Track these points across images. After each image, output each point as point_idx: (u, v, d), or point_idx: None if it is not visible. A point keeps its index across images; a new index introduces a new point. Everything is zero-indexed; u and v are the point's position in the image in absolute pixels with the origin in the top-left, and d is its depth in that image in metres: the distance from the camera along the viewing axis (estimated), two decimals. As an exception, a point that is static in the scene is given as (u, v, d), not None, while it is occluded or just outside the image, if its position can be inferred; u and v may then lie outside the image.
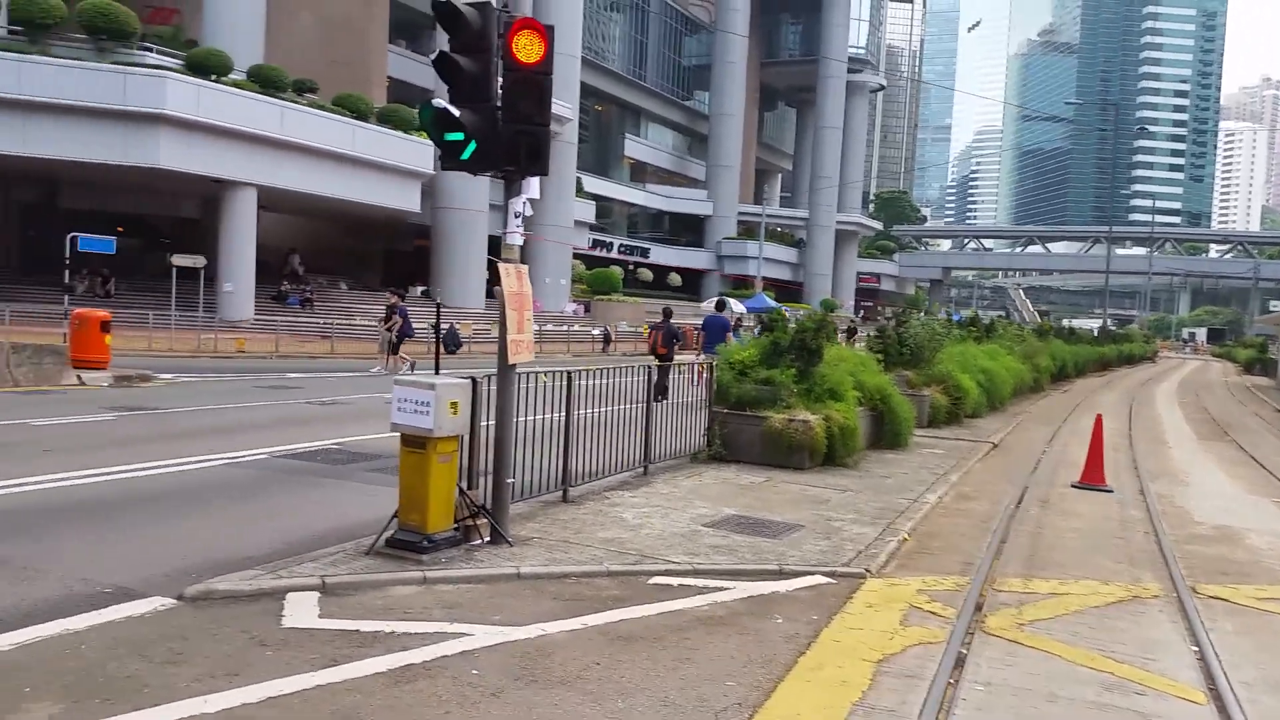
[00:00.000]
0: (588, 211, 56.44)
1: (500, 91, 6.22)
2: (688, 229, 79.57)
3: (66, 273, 26.11)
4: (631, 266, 68.10)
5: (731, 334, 18.56)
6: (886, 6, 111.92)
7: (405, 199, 38.26)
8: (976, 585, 6.63)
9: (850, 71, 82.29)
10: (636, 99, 75.58)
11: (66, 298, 26.10)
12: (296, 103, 33.30)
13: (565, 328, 40.84)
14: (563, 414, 8.64)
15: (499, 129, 6.24)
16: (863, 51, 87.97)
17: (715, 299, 28.42)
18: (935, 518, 9.04)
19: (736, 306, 50.26)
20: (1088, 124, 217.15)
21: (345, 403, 16.21)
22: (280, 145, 32.42)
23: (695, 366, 12.18)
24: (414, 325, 25.75)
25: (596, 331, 39.30)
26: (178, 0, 37.63)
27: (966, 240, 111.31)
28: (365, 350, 30.10)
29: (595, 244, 62.98)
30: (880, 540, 7.66)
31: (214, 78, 30.31)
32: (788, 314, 13.01)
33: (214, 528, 7.34)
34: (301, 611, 5.36)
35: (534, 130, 6.22)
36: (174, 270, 26.03)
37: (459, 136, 6.23)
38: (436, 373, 7.00)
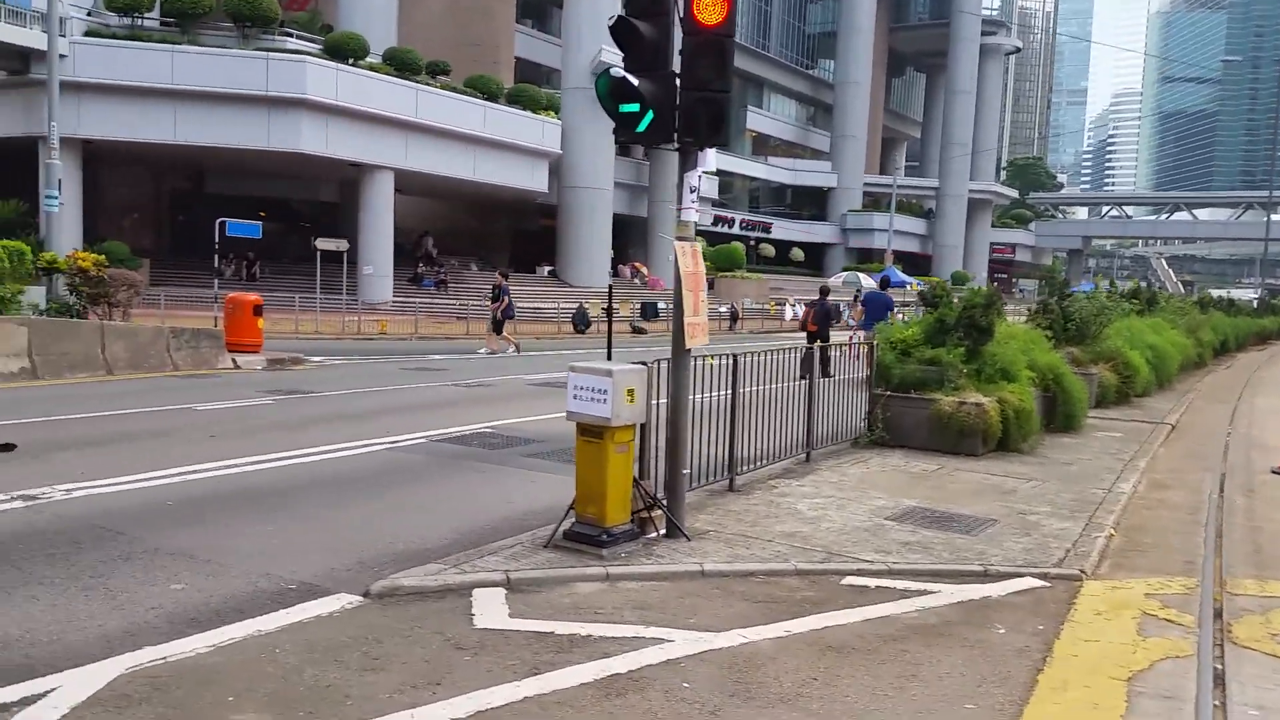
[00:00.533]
0: (711, 187, 55.79)
1: (679, 56, 5.85)
2: (810, 202, 77.98)
3: (216, 257, 27.11)
4: (753, 242, 67.17)
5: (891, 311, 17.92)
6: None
7: (534, 179, 38.49)
8: (1208, 588, 5.98)
9: (984, 34, 79.00)
10: (759, 69, 74.19)
11: (216, 281, 27.13)
12: (430, 85, 33.75)
13: (693, 305, 40.41)
14: (727, 397, 8.23)
15: (677, 97, 5.86)
16: (996, 13, 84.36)
17: (882, 275, 27.80)
18: (1136, 510, 8.32)
19: (867, 281, 48.96)
20: (1238, 83, 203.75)
21: (489, 384, 16.24)
22: (415, 128, 32.96)
23: (855, 345, 11.71)
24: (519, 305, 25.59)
25: (723, 309, 38.76)
26: (313, -13, 38.67)
27: (1106, 208, 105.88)
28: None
29: (716, 220, 62.30)
30: (1086, 536, 7.04)
31: (351, 61, 30.96)
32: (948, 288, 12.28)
33: (387, 516, 7.26)
34: (491, 610, 5.15)
35: (715, 97, 5.83)
36: (318, 254, 26.67)
37: (634, 108, 5.89)
38: (609, 358, 6.68)
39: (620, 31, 5.84)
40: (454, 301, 34.53)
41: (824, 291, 19.48)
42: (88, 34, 28.88)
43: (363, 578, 5.73)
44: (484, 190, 38.83)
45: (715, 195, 58.00)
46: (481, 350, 23.24)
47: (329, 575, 5.79)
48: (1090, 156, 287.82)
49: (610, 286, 8.02)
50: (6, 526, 6.56)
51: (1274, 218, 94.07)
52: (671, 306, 6.64)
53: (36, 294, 16.87)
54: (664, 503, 6.56)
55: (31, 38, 27.20)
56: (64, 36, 25.92)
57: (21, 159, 30.51)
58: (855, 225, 75.33)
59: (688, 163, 6.17)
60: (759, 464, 8.73)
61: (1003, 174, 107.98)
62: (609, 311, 7.13)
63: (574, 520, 6.27)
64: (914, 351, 10.82)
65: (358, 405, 13.11)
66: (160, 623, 4.93)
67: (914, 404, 10.51)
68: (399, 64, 32.95)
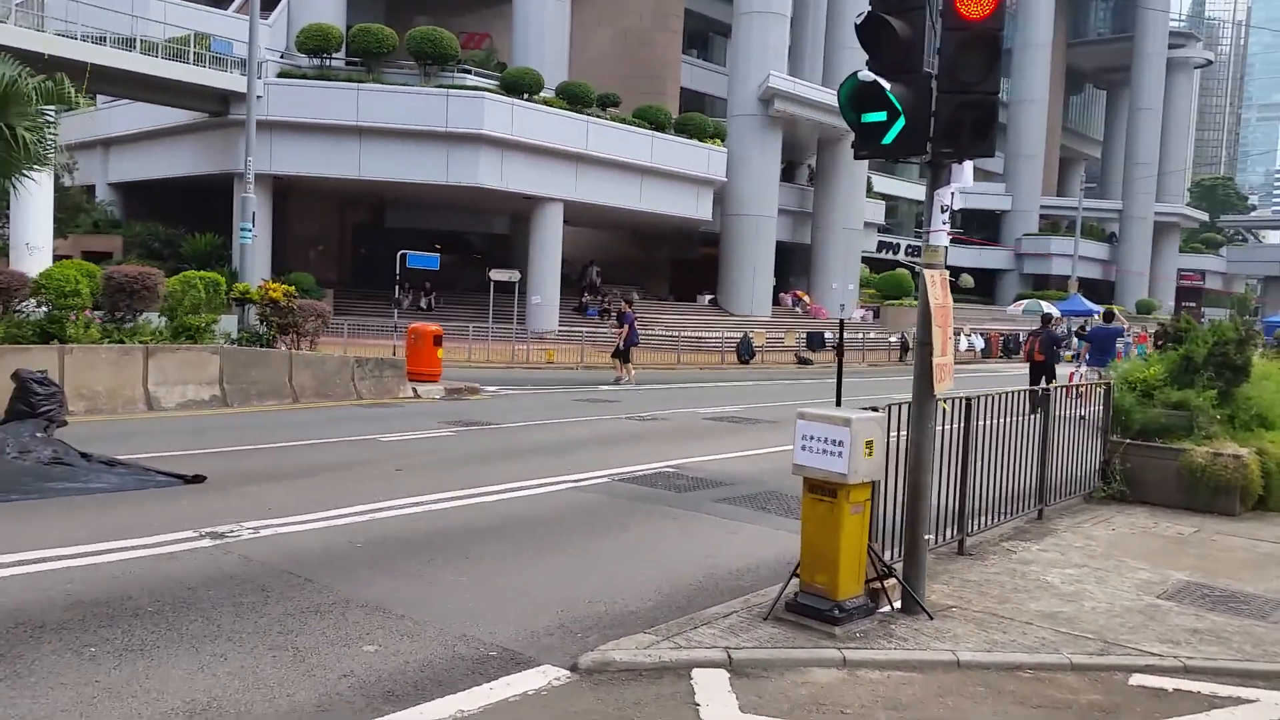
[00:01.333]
0: (877, 212, 54.22)
1: (937, 56, 5.08)
2: (982, 226, 74.72)
3: (396, 288, 27.79)
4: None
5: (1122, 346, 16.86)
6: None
7: (698, 207, 38.13)
8: None
9: (1170, 47, 74.17)
10: (927, 92, 71.90)
11: (395, 311, 27.80)
12: (600, 117, 33.91)
13: (860, 335, 39.03)
14: (958, 448, 7.30)
15: (934, 102, 5.09)
16: (1184, 24, 79.17)
17: (1103, 309, 27.12)
18: None
19: (1049, 309, 46.21)
20: None
21: (663, 418, 15.69)
22: (584, 159, 33.15)
23: (1083, 384, 10.73)
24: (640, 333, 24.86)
25: (894, 339, 37.22)
26: (487, 23, 39.63)
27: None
28: (663, 360, 29.98)
29: (880, 246, 60.37)
30: None
31: (526, 96, 31.41)
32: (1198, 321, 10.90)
33: (582, 568, 6.70)
34: (718, 700, 4.46)
35: (981, 100, 5.03)
36: (491, 284, 26.96)
37: (881, 116, 5.15)
38: (838, 403, 5.93)
39: (869, 29, 5.13)
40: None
41: (1046, 320, 19.08)
42: (280, 75, 30.33)
43: (567, 644, 5.15)
44: (648, 219, 38.73)
45: (882, 220, 56.24)
46: (617, 380, 22.66)
47: (531, 640, 5.24)
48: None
49: (841, 320, 7.25)
50: (195, 569, 6.34)
51: None
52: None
53: (229, 323, 17.42)
54: (899, 572, 5.72)
55: (231, 81, 28.76)
56: (260, 79, 27.30)
57: (217, 195, 32.32)
58: (1030, 250, 71.71)
59: (939, 179, 5.38)
60: (988, 521, 7.74)
61: (1188, 195, 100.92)
62: (840, 348, 6.33)
63: (798, 588, 5.52)
64: (1157, 393, 9.57)
65: (536, 439, 12.76)
66: (354, 695, 4.47)
67: (1158, 454, 9.27)
68: (571, 97, 33.24)
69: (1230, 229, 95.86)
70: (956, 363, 22.40)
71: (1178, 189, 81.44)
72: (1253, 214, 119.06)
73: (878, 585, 5.63)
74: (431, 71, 31.01)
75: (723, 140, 38.99)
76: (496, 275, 27.01)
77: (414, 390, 17.31)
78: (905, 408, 6.00)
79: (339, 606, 5.72)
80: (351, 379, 16.57)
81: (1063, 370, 18.29)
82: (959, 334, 39.74)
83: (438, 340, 18.69)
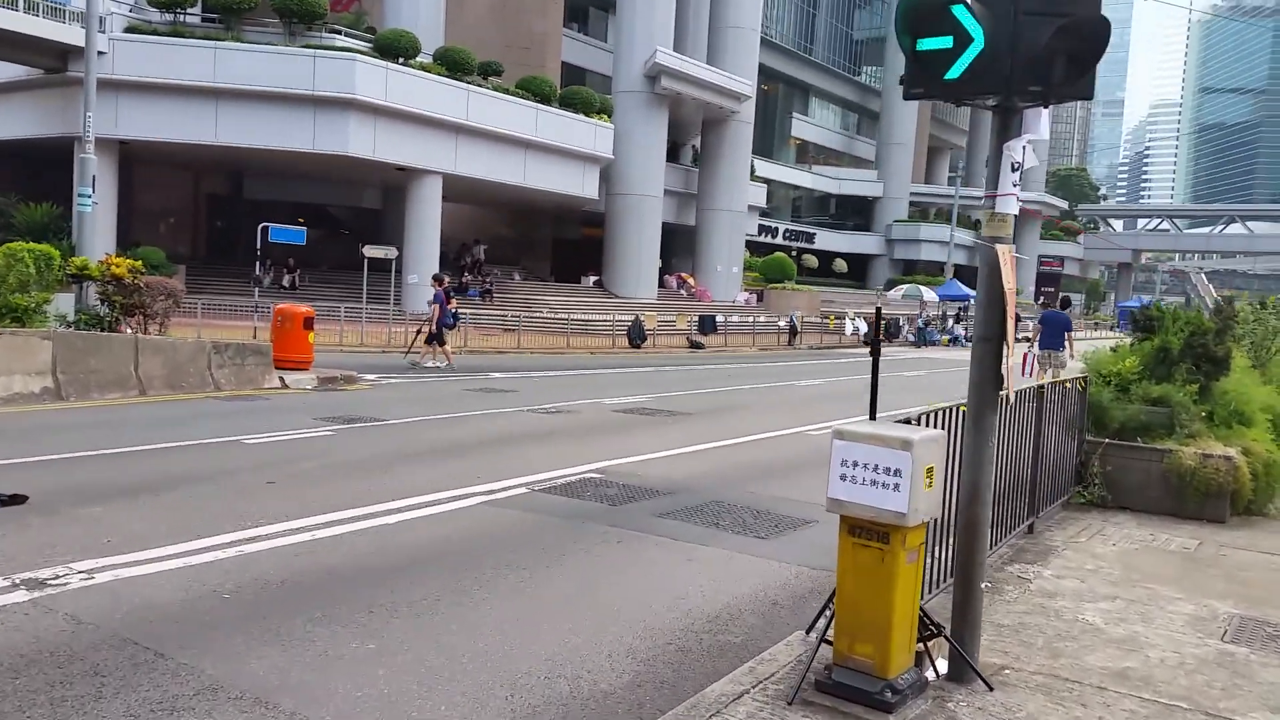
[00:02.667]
0: (759, 196, 53.82)
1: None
2: (855, 212, 75.76)
3: (257, 264, 25.38)
4: (795, 253, 64.98)
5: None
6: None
7: (584, 184, 36.66)
8: None
9: (1035, 40, 76.45)
10: (804, 75, 72.22)
11: (255, 290, 25.40)
12: (482, 86, 31.98)
13: (750, 320, 38.39)
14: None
15: (1018, 26, 3.84)
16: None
17: (1062, 296, 29.43)
18: None
19: (928, 295, 46.79)
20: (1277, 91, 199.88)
21: (570, 410, 14.24)
22: (465, 130, 31.22)
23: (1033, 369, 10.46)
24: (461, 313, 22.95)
25: (783, 323, 36.67)
26: (358, -14, 37.02)
27: (1155, 220, 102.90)
28: (552, 344, 28.49)
29: (761, 229, 60.18)
30: None
31: (401, 61, 29.25)
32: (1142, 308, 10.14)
33: (524, 624, 5.24)
34: None
35: (1085, 24, 3.79)
36: (365, 262, 24.88)
37: (946, 43, 3.88)
38: (873, 414, 4.65)
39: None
40: (500, 313, 32.70)
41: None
42: (128, 30, 27.25)
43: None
44: (529, 197, 37.02)
45: (764, 204, 55.93)
46: (419, 359, 20.73)
47: (480, 749, 3.80)
48: (1126, 169, 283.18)
49: (878, 307, 5.96)
50: (2, 640, 4.63)
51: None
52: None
53: (65, 303, 15.10)
54: (951, 631, 4.50)
55: (70, 34, 25.59)
56: (103, 33, 24.34)
57: (57, 161, 28.98)
58: (901, 236, 73.04)
59: (1009, 128, 4.13)
60: (990, 541, 6.62)
61: (1045, 185, 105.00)
62: (875, 340, 5.03)
63: (830, 660, 4.23)
64: (1133, 388, 8.71)
65: (432, 438, 11.13)
66: None
67: (1140, 455, 8.40)
68: (451, 64, 31.18)
69: (1085, 217, 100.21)
70: (842, 346, 22.66)
71: (1039, 178, 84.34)
72: (1103, 204, 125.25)
73: (921, 647, 4.40)
74: (297, 31, 28.45)
75: (610, 116, 37.57)
76: (371, 252, 24.96)
77: (282, 380, 15.35)
78: (938, 415, 4.77)
79: (205, 697, 4.14)
80: (208, 367, 14.51)
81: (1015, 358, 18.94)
82: (844, 318, 39.60)
83: (308, 323, 16.71)
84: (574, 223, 46.32)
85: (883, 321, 22.27)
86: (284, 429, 11.17)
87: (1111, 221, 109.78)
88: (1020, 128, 4.13)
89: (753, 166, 52.93)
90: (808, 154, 75.55)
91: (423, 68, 30.19)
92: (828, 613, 4.52)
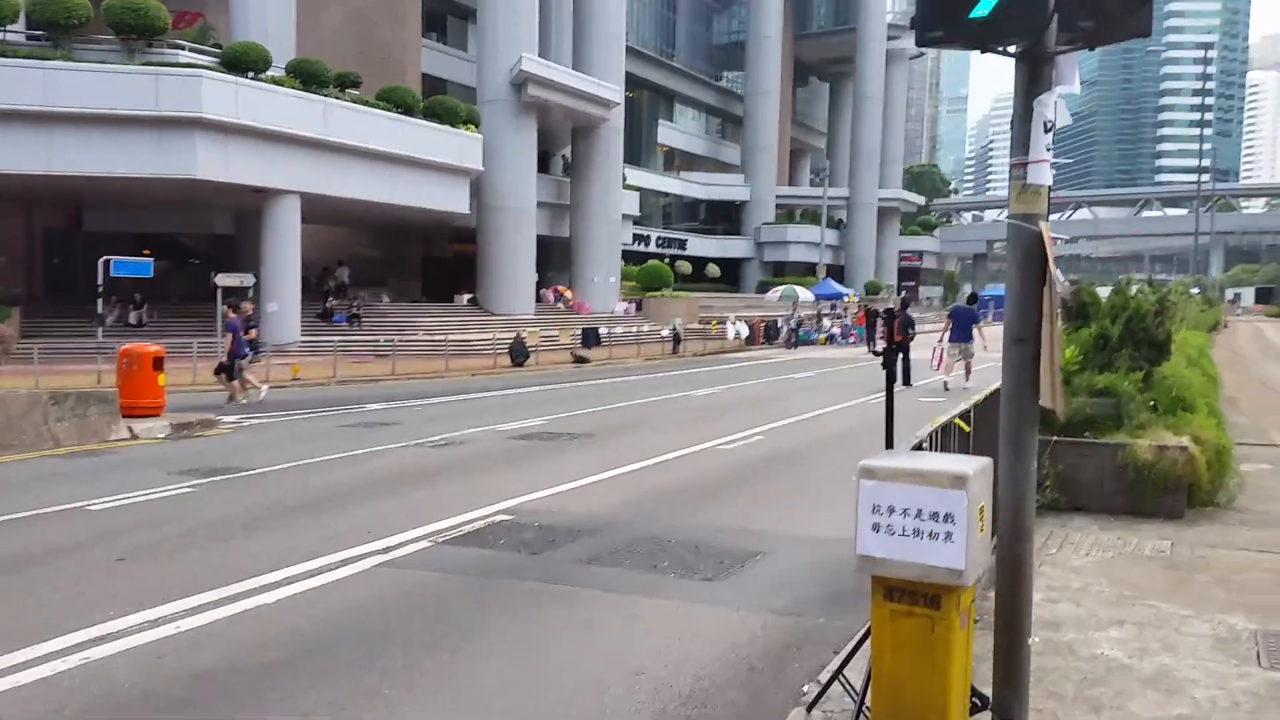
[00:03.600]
0: (633, 204, 53.24)
1: None
2: (724, 217, 76.21)
3: (99, 301, 23.17)
4: (668, 259, 64.77)
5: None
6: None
7: (454, 199, 35.19)
8: None
9: (888, 38, 78.56)
10: (667, 81, 72.24)
11: (99, 330, 23.21)
12: (340, 98, 30.26)
13: (634, 330, 37.64)
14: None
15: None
16: (901, 16, 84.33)
17: (970, 292, 31.91)
18: None
19: (805, 295, 46.99)
20: (1112, 85, 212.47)
21: (462, 440, 13.06)
22: (323, 147, 29.43)
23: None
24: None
25: (665, 332, 36.07)
26: (199, 3, 34.63)
27: (994, 213, 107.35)
28: (430, 368, 27.04)
29: (634, 238, 59.71)
30: None
31: (252, 75, 27.31)
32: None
33: (451, 732, 4.19)
34: None
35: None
36: (218, 291, 23.00)
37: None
38: (890, 442, 3.80)
39: None
40: (370, 337, 31.01)
41: (905, 303, 22.26)
42: (-63, 50, 24.56)
43: None
44: (396, 214, 35.34)
45: (637, 212, 55.42)
46: (231, 399, 18.48)
47: None
48: (973, 163, 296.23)
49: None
50: None
51: (1164, 213, 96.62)
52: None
53: None
54: (990, 701, 3.66)
55: None
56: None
57: None
58: (770, 238, 73.81)
59: (1039, 79, 3.33)
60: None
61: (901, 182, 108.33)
62: (888, 352, 4.19)
63: (861, 759, 3.34)
64: (1075, 379, 8.20)
65: (309, 487, 9.83)
66: None
67: (1091, 452, 7.88)
68: (305, 76, 29.35)
69: (939, 212, 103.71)
70: (724, 351, 22.60)
71: (896, 175, 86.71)
72: (955, 197, 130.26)
73: (960, 724, 3.55)
74: (136, 48, 26.17)
75: (477, 126, 36.25)
76: (224, 280, 23.13)
77: (131, 430, 13.65)
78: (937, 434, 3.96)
79: None
80: (45, 421, 12.74)
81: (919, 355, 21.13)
82: (725, 323, 39.32)
83: (158, 363, 14.98)
84: (444, 240, 44.71)
85: (764, 324, 23.06)
86: (135, 489, 9.68)
87: (963, 214, 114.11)
88: (1051, 79, 3.34)
89: (624, 174, 52.39)
90: (675, 161, 75.62)
91: (275, 81, 28.31)
92: (835, 688, 3.65)
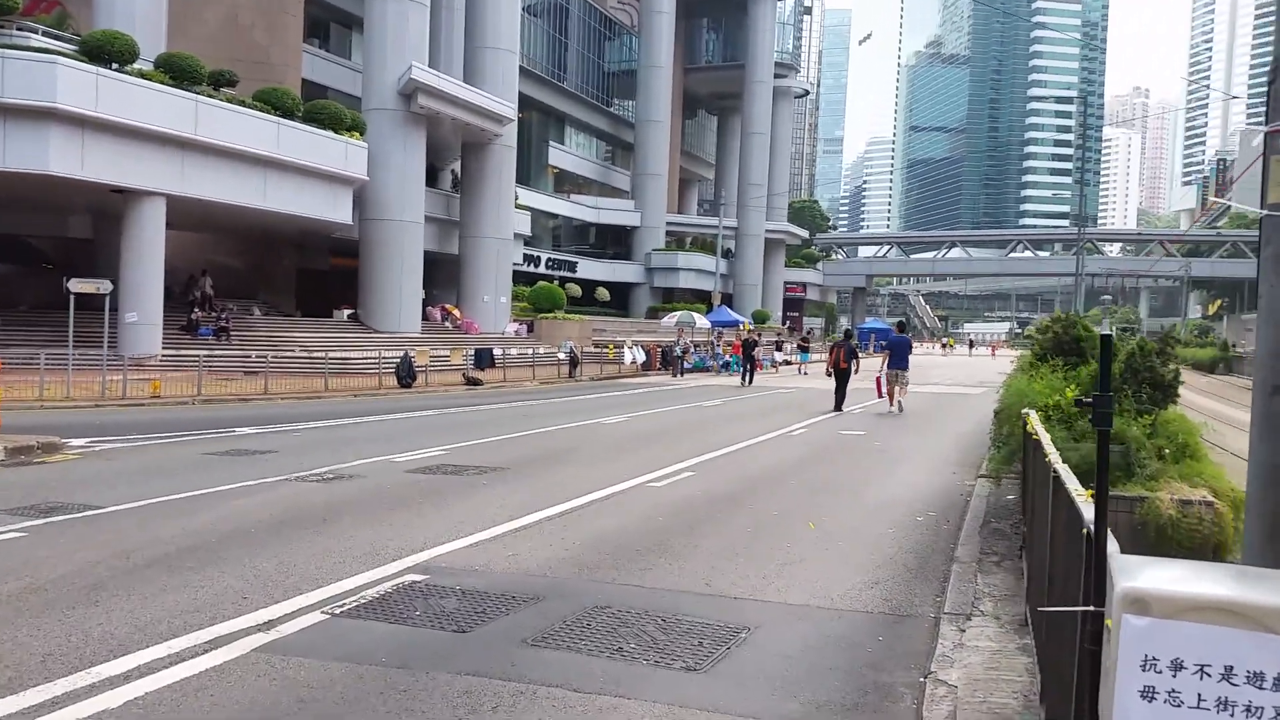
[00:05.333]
0: (524, 224, 51.74)
1: None
2: (614, 241, 75.45)
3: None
4: (558, 281, 63.41)
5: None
6: (804, 16, 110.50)
7: (336, 208, 33.10)
8: None
9: (776, 76, 79.64)
10: (558, 103, 71.24)
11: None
12: (213, 97, 27.95)
13: (530, 352, 36.08)
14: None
15: None
16: (787, 56, 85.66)
17: (898, 320, 33.06)
18: None
19: (701, 321, 46.31)
20: (979, 132, 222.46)
21: (351, 474, 11.38)
22: (193, 147, 27.13)
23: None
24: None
25: (562, 355, 34.66)
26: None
27: (884, 247, 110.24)
28: (309, 387, 24.97)
29: (525, 259, 58.21)
30: None
31: (115, 67, 24.87)
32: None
33: None
34: None
35: None
36: (71, 299, 20.55)
37: None
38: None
39: None
40: (240, 353, 28.62)
41: (848, 334, 24.23)
42: None
43: None
44: (270, 222, 33.01)
45: (528, 232, 53.93)
46: None
47: None
48: (847, 201, 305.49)
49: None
50: None
51: (1034, 254, 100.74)
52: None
53: None
54: None
55: None
56: None
57: None
58: (660, 264, 73.37)
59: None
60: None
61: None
62: (837, 378, 2.96)
63: None
64: (1077, 423, 7.26)
65: (170, 534, 8.06)
66: None
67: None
68: (175, 71, 26.98)
69: (821, 246, 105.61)
70: (623, 376, 21.57)
71: (782, 209, 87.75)
72: (840, 232, 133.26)
73: None
74: (-20, 29, 23.53)
75: (362, 134, 34.27)
76: (78, 286, 20.68)
77: (-48, 455, 11.51)
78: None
79: None
80: None
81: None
82: (623, 347, 38.19)
83: (-9, 377, 12.82)
84: (321, 251, 42.26)
85: (660, 349, 22.61)
86: (-57, 533, 7.77)
87: (843, 249, 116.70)
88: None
89: (515, 194, 50.89)
90: (565, 183, 74.49)
91: (142, 75, 25.90)
92: None
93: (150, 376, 23.01)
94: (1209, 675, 1.91)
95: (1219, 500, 6.95)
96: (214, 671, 4.90)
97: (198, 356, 24.48)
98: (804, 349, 44.26)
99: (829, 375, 22.46)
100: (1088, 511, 2.99)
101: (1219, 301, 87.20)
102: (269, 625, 5.66)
